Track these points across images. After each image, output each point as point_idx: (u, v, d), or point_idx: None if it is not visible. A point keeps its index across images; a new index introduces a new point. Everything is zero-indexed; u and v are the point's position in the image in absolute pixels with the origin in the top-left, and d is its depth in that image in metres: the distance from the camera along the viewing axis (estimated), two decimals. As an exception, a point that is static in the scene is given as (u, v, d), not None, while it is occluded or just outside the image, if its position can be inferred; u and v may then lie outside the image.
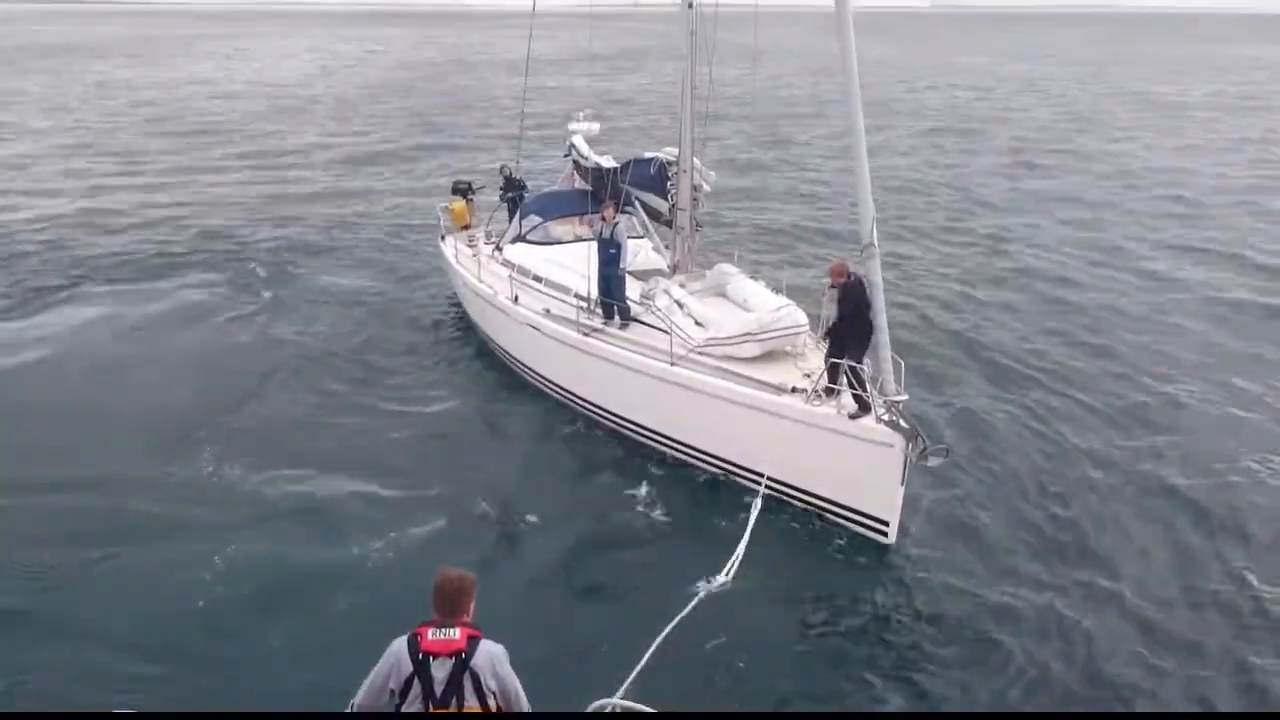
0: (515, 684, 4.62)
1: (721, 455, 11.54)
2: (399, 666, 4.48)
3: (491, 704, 4.53)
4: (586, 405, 13.17)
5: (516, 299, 14.21)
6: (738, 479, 11.35)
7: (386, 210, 26.60)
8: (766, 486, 10.53)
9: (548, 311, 13.66)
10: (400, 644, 4.55)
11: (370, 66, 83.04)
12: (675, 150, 13.78)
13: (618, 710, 5.32)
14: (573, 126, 16.95)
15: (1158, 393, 14.54)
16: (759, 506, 9.95)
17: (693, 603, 7.85)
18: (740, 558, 8.74)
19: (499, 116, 46.96)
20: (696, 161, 13.58)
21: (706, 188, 13.67)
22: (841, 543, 10.35)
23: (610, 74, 73.18)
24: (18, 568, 9.51)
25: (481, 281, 15.27)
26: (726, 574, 8.45)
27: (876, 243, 9.49)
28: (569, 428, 13.15)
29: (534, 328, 13.65)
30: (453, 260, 16.91)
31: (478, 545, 10.19)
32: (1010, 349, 16.34)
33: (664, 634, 7.14)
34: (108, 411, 13.30)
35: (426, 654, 4.44)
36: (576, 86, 55.73)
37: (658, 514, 10.98)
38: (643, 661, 6.72)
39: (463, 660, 4.44)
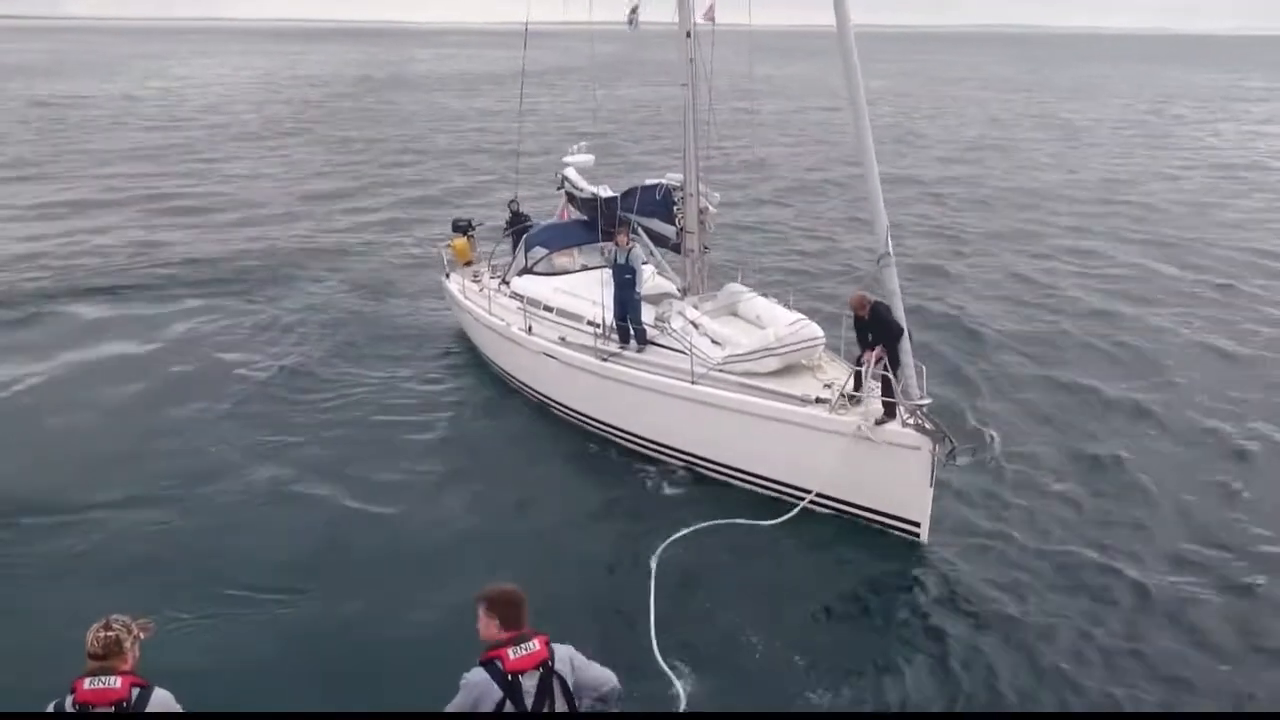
0: (597, 669, 4.68)
1: (748, 470, 11.90)
2: (484, 698, 4.42)
3: (576, 705, 4.54)
4: (609, 429, 13.44)
5: (530, 329, 14.44)
6: (764, 492, 11.67)
7: (368, 234, 26.97)
8: (794, 498, 10.92)
9: (563, 339, 13.91)
10: (478, 675, 4.45)
11: (318, 86, 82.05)
12: (678, 176, 14.09)
13: None
14: (567, 159, 16.89)
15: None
16: (785, 515, 10.34)
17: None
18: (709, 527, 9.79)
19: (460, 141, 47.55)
20: (701, 186, 13.88)
21: (712, 209, 13.99)
22: (872, 541, 10.76)
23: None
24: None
25: (492, 315, 15.42)
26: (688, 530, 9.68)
27: (892, 251, 9.89)
28: (587, 444, 13.59)
29: (551, 356, 13.89)
30: (460, 296, 16.90)
31: (502, 550, 10.74)
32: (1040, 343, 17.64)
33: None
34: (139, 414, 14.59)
35: (514, 674, 4.42)
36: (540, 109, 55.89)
37: (670, 520, 11.30)
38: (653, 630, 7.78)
39: (549, 668, 4.48)
